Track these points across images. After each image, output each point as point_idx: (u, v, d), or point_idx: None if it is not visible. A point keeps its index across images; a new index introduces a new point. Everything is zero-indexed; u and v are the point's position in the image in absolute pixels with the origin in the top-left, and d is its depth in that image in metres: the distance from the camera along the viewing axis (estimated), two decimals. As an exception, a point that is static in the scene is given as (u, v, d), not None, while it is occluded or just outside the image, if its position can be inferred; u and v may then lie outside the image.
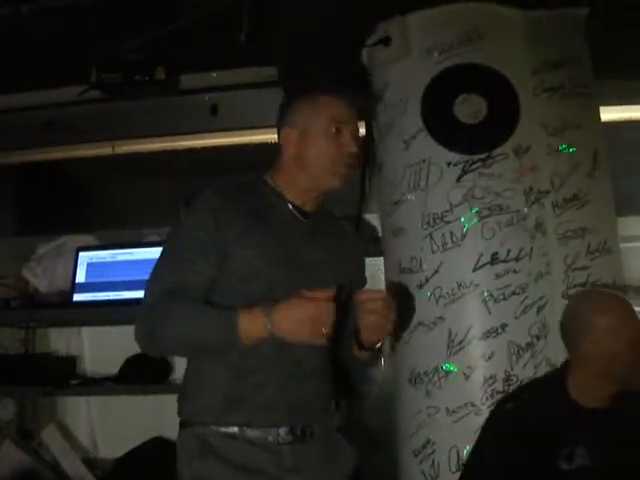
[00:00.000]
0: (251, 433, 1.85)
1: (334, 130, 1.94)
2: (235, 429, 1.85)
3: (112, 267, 3.47)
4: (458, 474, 2.42)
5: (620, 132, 3.45)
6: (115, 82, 3.51)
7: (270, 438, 1.85)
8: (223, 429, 1.85)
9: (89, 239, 3.79)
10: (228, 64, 3.69)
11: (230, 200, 1.91)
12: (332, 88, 2.05)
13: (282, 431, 1.86)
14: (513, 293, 2.53)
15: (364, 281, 2.16)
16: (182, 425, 1.94)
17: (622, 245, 2.80)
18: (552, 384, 2.25)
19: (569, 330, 2.25)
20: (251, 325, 1.75)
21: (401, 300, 1.94)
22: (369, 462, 2.99)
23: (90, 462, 3.59)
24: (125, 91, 3.58)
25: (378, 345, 1.90)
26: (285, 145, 1.99)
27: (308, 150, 1.95)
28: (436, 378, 2.55)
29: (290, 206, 1.98)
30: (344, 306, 1.82)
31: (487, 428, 2.30)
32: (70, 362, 3.67)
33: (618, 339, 2.09)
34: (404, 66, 2.82)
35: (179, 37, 3.26)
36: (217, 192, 1.92)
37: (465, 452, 2.44)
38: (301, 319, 1.71)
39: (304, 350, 1.85)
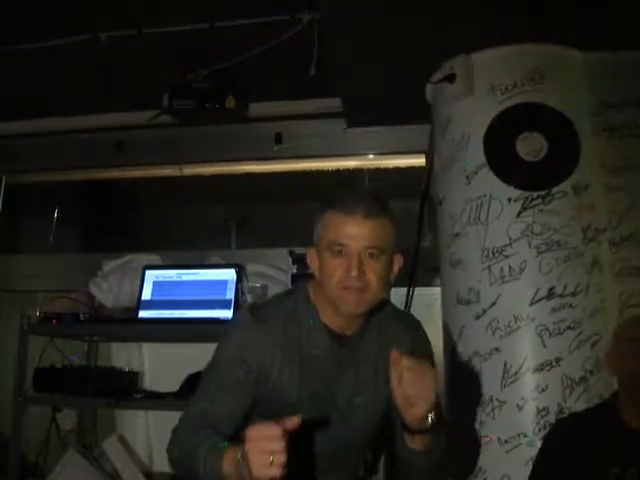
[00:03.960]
0: None
1: (337, 251, 1.79)
2: None
3: (177, 286, 3.59)
4: (508, 503, 2.48)
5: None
6: (187, 108, 3.66)
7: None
8: None
9: (154, 258, 3.92)
10: (295, 94, 3.82)
11: (266, 333, 1.85)
12: (340, 200, 1.83)
13: None
14: (568, 328, 2.58)
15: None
16: None
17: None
18: (606, 408, 2.32)
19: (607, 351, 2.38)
20: (229, 460, 1.65)
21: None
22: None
23: (147, 475, 3.69)
24: (195, 117, 3.74)
25: (427, 421, 1.66)
26: (310, 264, 1.90)
27: (321, 271, 1.83)
28: (490, 408, 2.61)
29: (329, 334, 1.87)
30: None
31: (544, 446, 2.37)
32: (133, 377, 3.80)
33: (625, 346, 2.21)
34: (467, 103, 2.91)
35: (250, 67, 3.40)
36: (254, 321, 1.87)
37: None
38: (254, 450, 1.53)
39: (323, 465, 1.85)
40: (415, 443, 1.73)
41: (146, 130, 4.17)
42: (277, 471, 1.49)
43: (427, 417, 1.63)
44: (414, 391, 1.60)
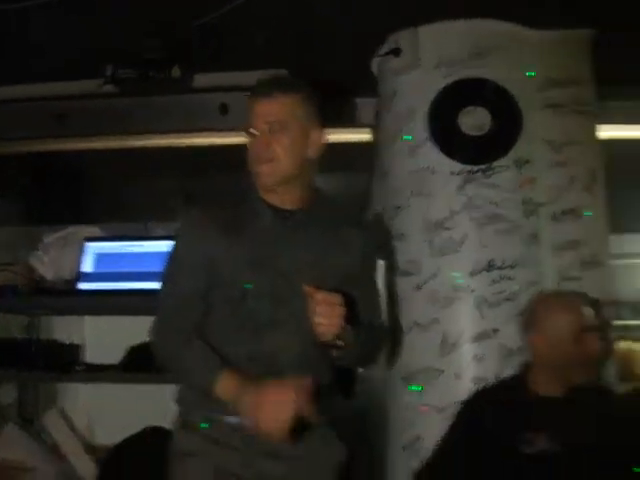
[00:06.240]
0: (229, 419, 1.92)
1: (250, 132, 1.98)
2: (214, 414, 1.94)
3: (120, 258, 3.56)
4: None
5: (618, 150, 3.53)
6: (130, 78, 3.60)
7: (247, 423, 1.87)
8: (204, 413, 1.96)
9: (95, 230, 3.88)
10: (242, 65, 3.78)
11: (212, 214, 2.01)
12: (254, 86, 2.02)
13: None
14: (506, 299, 2.63)
15: (370, 270, 2.16)
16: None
17: (620, 262, 2.89)
18: (515, 378, 2.40)
19: (522, 324, 2.41)
20: (224, 396, 1.85)
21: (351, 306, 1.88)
22: (358, 457, 3.09)
23: (88, 447, 3.67)
24: (139, 87, 3.68)
25: (337, 343, 1.87)
26: None
27: None
28: (428, 377, 2.65)
29: (268, 208, 2.02)
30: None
31: (456, 419, 2.43)
32: (74, 349, 3.76)
33: (560, 335, 2.25)
34: (413, 77, 2.92)
35: (196, 36, 3.35)
36: (199, 208, 2.06)
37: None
38: (263, 410, 1.75)
39: (281, 349, 1.95)
40: (331, 352, 1.92)
41: (89, 100, 4.07)
42: (283, 434, 1.74)
43: (336, 341, 1.85)
44: (324, 321, 1.80)
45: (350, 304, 1.86)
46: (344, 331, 1.83)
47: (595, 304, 2.40)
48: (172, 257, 2.06)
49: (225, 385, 1.84)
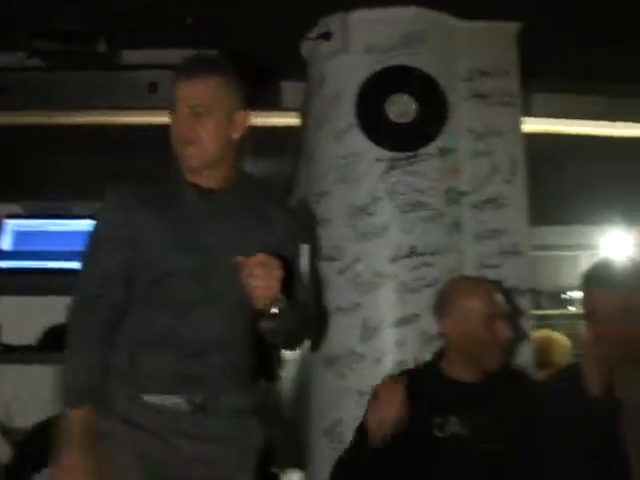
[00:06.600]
0: (148, 398, 1.90)
1: (174, 111, 1.94)
2: (134, 393, 1.90)
3: (39, 236, 3.48)
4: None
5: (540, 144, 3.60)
6: (54, 51, 3.50)
7: (168, 404, 1.89)
8: (124, 392, 1.90)
9: (13, 208, 3.79)
10: (171, 43, 3.72)
11: (136, 193, 1.99)
12: (177, 68, 1.99)
13: (178, 399, 1.90)
14: (427, 285, 2.67)
15: (293, 248, 2.08)
16: None
17: (542, 253, 2.95)
18: (430, 363, 2.42)
19: (435, 310, 2.42)
20: (63, 427, 1.81)
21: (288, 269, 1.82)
22: (280, 441, 3.11)
23: (4, 430, 3.59)
24: (65, 61, 3.58)
25: (272, 311, 1.81)
26: None
27: None
28: (350, 361, 2.67)
29: (192, 188, 1.99)
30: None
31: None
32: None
33: (471, 320, 2.27)
34: (342, 62, 2.93)
35: (125, 11, 3.28)
36: (124, 187, 2.01)
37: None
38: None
39: (203, 326, 1.93)
40: (264, 323, 1.87)
41: (12, 73, 3.95)
42: None
43: (271, 308, 1.78)
44: (261, 283, 1.74)
45: (287, 272, 1.80)
46: (280, 300, 1.78)
47: (507, 292, 2.45)
48: (94, 236, 2.02)
49: (74, 420, 1.80)
